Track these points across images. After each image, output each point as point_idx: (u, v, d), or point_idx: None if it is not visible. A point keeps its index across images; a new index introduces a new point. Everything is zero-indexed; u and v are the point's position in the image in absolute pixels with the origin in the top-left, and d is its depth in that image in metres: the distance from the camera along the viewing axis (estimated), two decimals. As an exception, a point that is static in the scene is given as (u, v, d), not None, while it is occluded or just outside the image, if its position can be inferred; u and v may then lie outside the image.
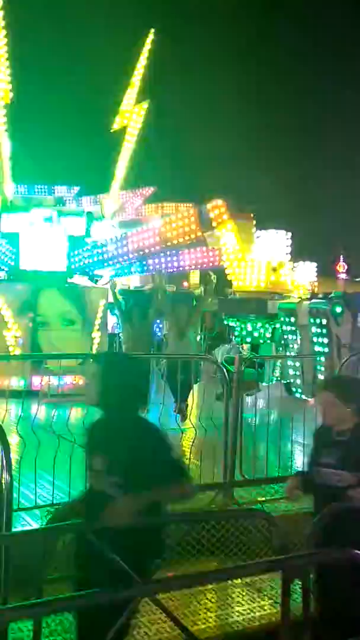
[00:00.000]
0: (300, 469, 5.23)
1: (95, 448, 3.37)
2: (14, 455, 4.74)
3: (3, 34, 14.07)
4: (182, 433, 7.48)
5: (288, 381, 11.50)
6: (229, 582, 4.92)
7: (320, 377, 10.31)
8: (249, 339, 13.20)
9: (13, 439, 5.31)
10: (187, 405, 8.69)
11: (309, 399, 10.30)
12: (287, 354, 11.78)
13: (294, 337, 11.42)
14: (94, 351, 12.26)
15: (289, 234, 15.60)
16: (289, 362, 11.48)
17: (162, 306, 9.39)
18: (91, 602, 2.73)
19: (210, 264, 14.11)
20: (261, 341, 13.10)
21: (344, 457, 3.83)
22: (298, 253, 18.50)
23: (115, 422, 3.33)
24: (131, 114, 22.25)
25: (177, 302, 9.46)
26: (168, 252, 13.45)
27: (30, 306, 11.84)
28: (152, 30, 21.69)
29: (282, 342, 12.07)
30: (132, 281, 23.10)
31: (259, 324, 13.10)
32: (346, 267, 41.30)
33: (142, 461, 3.12)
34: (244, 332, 13.29)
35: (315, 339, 10.76)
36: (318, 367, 10.69)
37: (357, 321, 10.48)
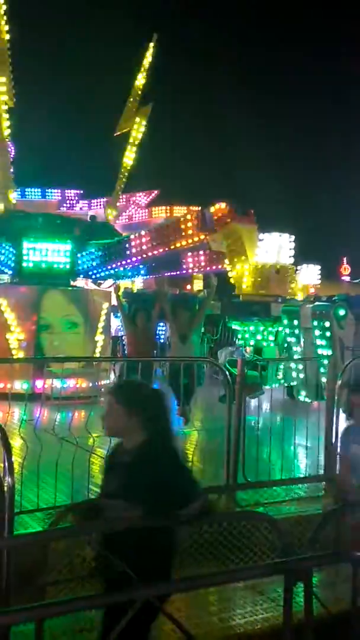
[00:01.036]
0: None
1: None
2: (17, 458, 4.75)
3: (6, 38, 14.10)
4: (185, 436, 7.49)
5: (291, 384, 11.49)
6: (231, 584, 4.91)
7: (324, 380, 10.30)
8: (252, 342, 13.21)
9: (16, 442, 5.32)
10: (189, 409, 8.70)
11: (312, 402, 10.28)
12: (290, 356, 11.77)
13: (297, 339, 11.41)
14: (97, 354, 12.26)
15: (293, 237, 15.62)
16: (292, 365, 11.46)
17: (164, 309, 9.40)
18: (92, 605, 2.73)
19: (213, 268, 14.13)
20: (264, 344, 13.10)
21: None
22: (301, 256, 18.51)
23: None
24: (134, 118, 22.31)
25: (179, 305, 9.46)
26: (171, 256, 13.46)
27: (33, 309, 11.85)
28: (155, 35, 21.78)
29: (285, 344, 12.06)
30: (136, 284, 23.15)
31: (262, 327, 13.10)
32: (350, 269, 41.14)
33: None
34: (247, 335, 13.30)
35: (318, 342, 10.75)
36: (321, 370, 10.68)
37: (360, 324, 10.47)
